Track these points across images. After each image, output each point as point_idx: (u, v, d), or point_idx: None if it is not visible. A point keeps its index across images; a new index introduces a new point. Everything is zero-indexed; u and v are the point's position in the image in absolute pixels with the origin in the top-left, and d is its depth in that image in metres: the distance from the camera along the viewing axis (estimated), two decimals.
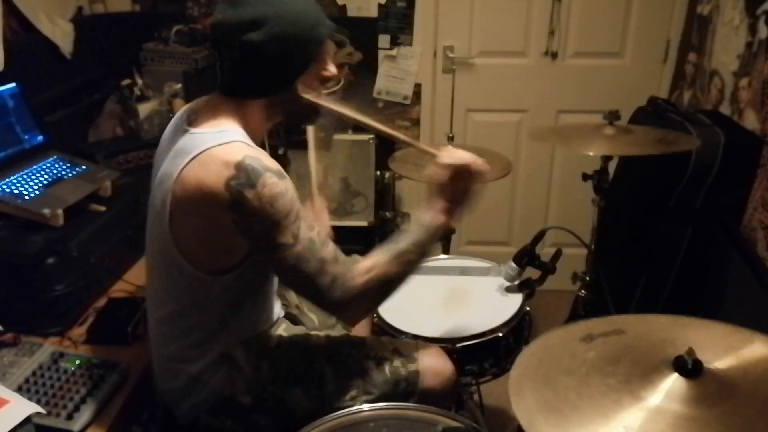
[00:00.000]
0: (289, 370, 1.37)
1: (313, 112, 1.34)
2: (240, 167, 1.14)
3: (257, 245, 1.21)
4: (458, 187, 1.32)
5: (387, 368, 1.40)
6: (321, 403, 1.35)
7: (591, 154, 1.77)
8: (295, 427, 1.23)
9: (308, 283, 1.21)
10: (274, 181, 1.15)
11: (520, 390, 0.94)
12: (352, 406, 1.34)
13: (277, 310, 1.50)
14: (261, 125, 1.33)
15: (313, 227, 1.22)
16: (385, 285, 1.27)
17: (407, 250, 1.27)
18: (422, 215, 1.31)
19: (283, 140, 2.53)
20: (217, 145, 1.18)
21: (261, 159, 1.17)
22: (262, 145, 1.40)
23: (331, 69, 1.33)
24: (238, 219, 1.16)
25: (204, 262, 1.24)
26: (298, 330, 1.52)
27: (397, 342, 1.48)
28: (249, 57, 1.21)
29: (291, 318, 1.57)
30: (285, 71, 1.24)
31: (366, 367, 1.39)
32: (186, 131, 1.24)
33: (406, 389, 1.38)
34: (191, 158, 1.18)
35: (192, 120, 1.27)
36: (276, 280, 1.46)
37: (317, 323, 1.63)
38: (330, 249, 1.23)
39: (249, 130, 1.27)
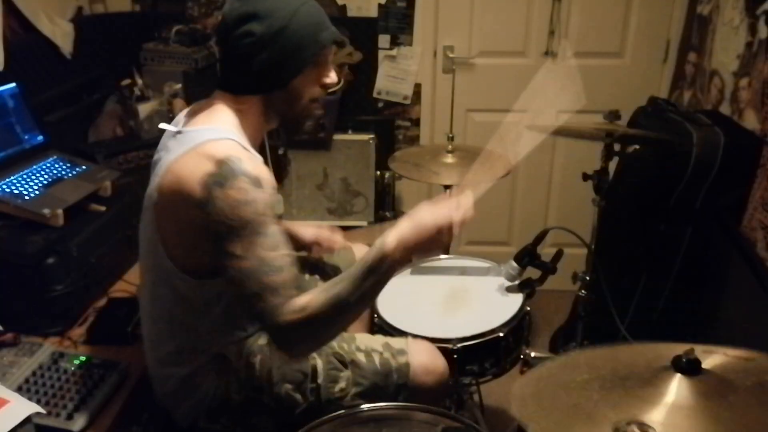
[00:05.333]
0: (280, 365, 1.37)
1: (309, 117, 1.33)
2: (220, 164, 1.13)
3: (214, 248, 1.15)
4: (438, 237, 1.20)
5: (377, 359, 1.40)
6: (315, 397, 1.35)
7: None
8: (294, 425, 1.23)
9: (248, 303, 1.14)
10: (246, 187, 1.12)
11: (521, 388, 0.94)
12: (344, 397, 1.35)
13: None
14: (259, 126, 1.32)
15: (275, 248, 1.14)
16: (323, 327, 1.17)
17: (346, 293, 1.14)
18: (381, 253, 1.16)
19: (283, 140, 2.53)
20: (207, 141, 1.18)
21: (244, 162, 1.15)
22: (261, 146, 1.40)
23: (333, 77, 1.33)
24: (203, 217, 1.14)
25: (189, 265, 1.24)
26: None
27: (388, 337, 1.48)
28: (248, 48, 1.21)
29: None
30: (282, 68, 1.24)
31: (356, 359, 1.40)
32: (180, 132, 1.24)
33: (398, 381, 1.38)
34: (182, 153, 1.18)
35: (187, 121, 1.27)
36: None
37: None
38: (278, 278, 1.13)
39: (247, 131, 1.27)
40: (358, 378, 1.38)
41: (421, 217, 1.19)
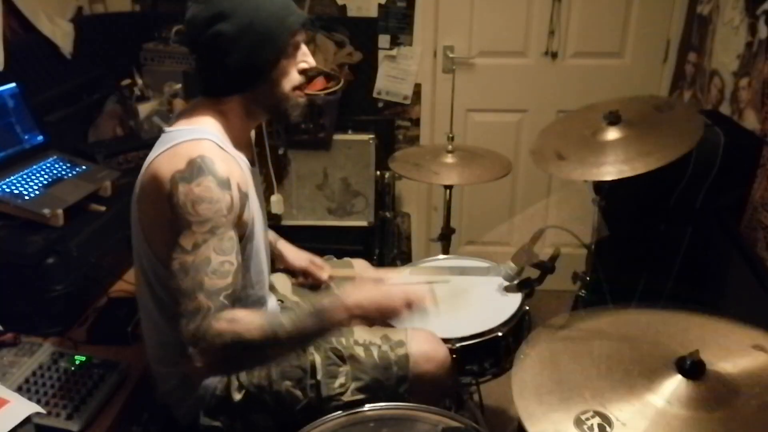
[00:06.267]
0: (279, 363, 1.37)
1: (295, 106, 1.33)
2: (191, 163, 1.15)
3: (169, 239, 1.16)
4: (386, 315, 1.24)
5: (375, 353, 1.39)
6: (315, 393, 1.35)
7: (608, 179, 1.60)
8: (294, 423, 1.23)
9: (176, 298, 1.13)
10: (211, 185, 1.14)
11: (522, 375, 0.95)
12: (344, 393, 1.35)
13: (272, 304, 1.50)
14: (244, 125, 1.33)
15: (225, 253, 1.13)
16: (242, 346, 1.11)
17: (283, 326, 1.13)
18: (329, 302, 1.19)
19: (283, 140, 2.53)
20: (186, 140, 1.19)
21: (216, 163, 1.16)
22: (261, 146, 1.40)
23: (309, 60, 1.32)
24: (169, 211, 1.15)
25: (168, 256, 1.23)
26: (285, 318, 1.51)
27: (386, 329, 1.47)
28: (220, 50, 1.21)
29: None
30: (256, 62, 1.24)
31: (354, 354, 1.39)
32: (164, 131, 1.26)
33: (397, 374, 1.37)
34: (161, 152, 1.20)
35: (174, 122, 1.29)
36: (264, 278, 1.45)
37: None
38: (217, 282, 1.11)
39: (231, 132, 1.27)
40: (358, 373, 1.37)
41: (388, 290, 1.23)
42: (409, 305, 1.22)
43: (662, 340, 0.97)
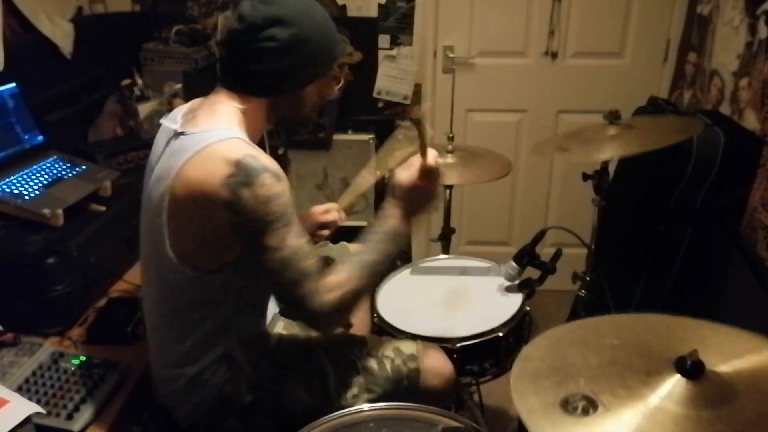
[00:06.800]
0: (290, 368, 1.37)
1: (308, 123, 1.39)
2: (239, 165, 1.14)
3: (247, 245, 1.20)
4: (428, 189, 1.33)
5: (389, 366, 1.40)
6: (324, 401, 1.35)
7: (604, 158, 1.74)
8: (294, 427, 1.22)
9: (285, 291, 1.22)
10: (271, 182, 1.15)
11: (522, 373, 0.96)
12: (355, 404, 1.34)
13: (272, 307, 1.50)
14: (260, 126, 1.33)
15: (302, 235, 1.21)
16: (356, 297, 1.27)
17: (376, 261, 1.27)
18: (386, 220, 1.31)
19: (283, 140, 2.53)
20: (216, 142, 1.17)
21: (260, 158, 1.17)
22: (261, 146, 1.40)
23: (334, 89, 1.39)
24: (232, 217, 1.15)
25: (197, 261, 1.24)
26: (298, 328, 1.52)
27: (397, 341, 1.48)
28: (267, 52, 1.21)
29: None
30: (296, 76, 1.26)
31: (368, 365, 1.40)
32: (182, 133, 1.23)
33: (408, 387, 1.39)
34: (190, 156, 1.17)
35: (188, 120, 1.27)
36: None
37: None
38: (311, 263, 1.21)
39: (248, 130, 1.27)
40: (371, 385, 1.38)
41: (401, 176, 1.31)
42: (435, 177, 1.33)
43: (669, 340, 0.97)
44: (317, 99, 1.34)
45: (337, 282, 1.23)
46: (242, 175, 1.13)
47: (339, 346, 1.43)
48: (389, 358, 1.42)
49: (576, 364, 0.95)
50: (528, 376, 0.94)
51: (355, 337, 1.50)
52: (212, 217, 1.17)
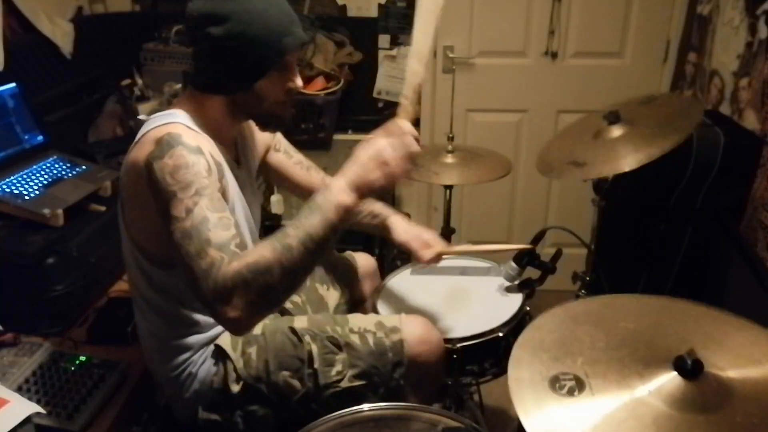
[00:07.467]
0: (276, 354, 1.37)
1: (278, 117, 1.33)
2: (159, 142, 1.15)
3: (161, 218, 1.13)
4: (389, 150, 1.13)
5: (371, 340, 1.40)
6: (313, 383, 1.36)
7: (627, 168, 1.60)
8: (292, 413, 1.23)
9: (188, 266, 1.07)
10: (183, 153, 1.14)
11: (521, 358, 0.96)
12: (341, 380, 1.36)
13: None
14: (225, 121, 1.32)
15: (216, 210, 1.10)
16: (262, 272, 1.04)
17: (288, 235, 1.06)
18: (322, 193, 1.10)
19: None
20: (155, 127, 1.20)
21: (183, 136, 1.17)
22: (243, 143, 1.41)
23: (297, 82, 1.31)
24: (150, 191, 1.15)
25: (155, 254, 1.26)
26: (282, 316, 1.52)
27: (380, 317, 1.49)
28: (207, 51, 1.22)
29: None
30: (240, 72, 1.24)
31: (350, 341, 1.40)
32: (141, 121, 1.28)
33: (393, 359, 1.38)
34: (135, 141, 1.22)
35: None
36: None
37: (301, 304, 1.65)
38: (223, 234, 1.08)
39: (207, 124, 1.28)
40: (354, 360, 1.38)
41: (358, 154, 1.14)
42: (401, 151, 1.14)
43: (688, 333, 0.96)
44: (280, 93, 1.29)
45: (245, 252, 1.07)
46: (158, 150, 1.14)
47: (322, 326, 1.43)
48: (371, 332, 1.41)
49: (582, 341, 0.94)
50: (530, 345, 0.93)
51: (338, 317, 1.50)
52: (141, 199, 1.18)
